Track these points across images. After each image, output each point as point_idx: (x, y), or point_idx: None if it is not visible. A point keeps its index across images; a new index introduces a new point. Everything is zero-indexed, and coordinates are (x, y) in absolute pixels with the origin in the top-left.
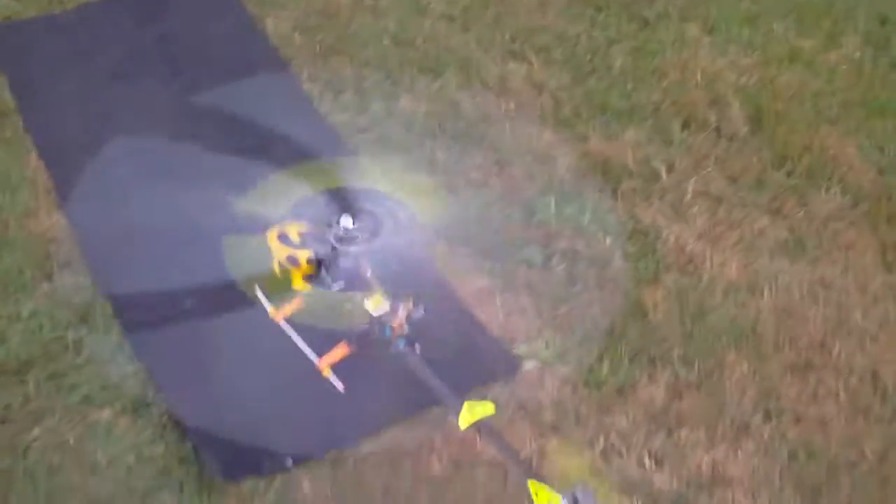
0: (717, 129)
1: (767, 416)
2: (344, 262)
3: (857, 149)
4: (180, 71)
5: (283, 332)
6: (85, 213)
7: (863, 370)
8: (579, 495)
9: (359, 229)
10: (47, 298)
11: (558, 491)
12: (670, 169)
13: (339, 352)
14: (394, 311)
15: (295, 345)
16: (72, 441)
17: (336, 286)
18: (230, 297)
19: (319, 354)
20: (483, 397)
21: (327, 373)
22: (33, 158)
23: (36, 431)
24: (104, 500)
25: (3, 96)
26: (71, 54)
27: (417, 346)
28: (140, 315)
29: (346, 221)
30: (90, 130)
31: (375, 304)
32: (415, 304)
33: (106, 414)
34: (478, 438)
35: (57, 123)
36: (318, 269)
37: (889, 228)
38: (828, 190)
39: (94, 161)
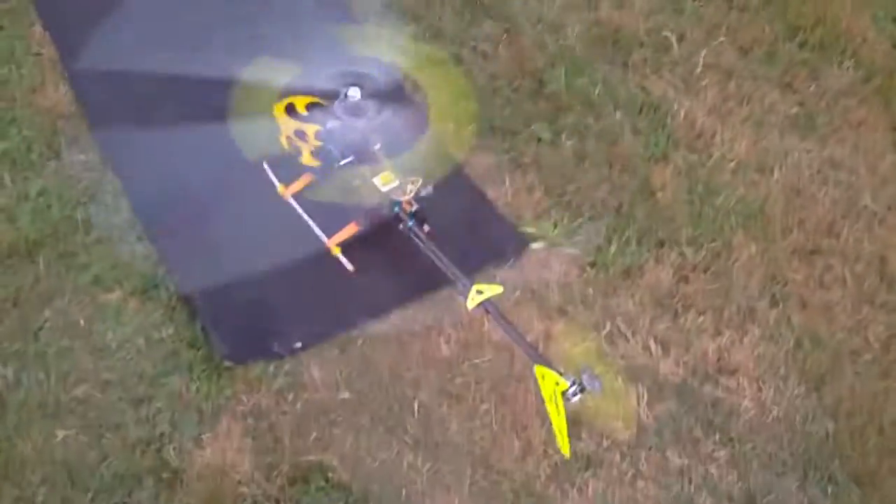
0: None
1: (774, 302)
2: (352, 136)
3: (871, 20)
4: None
5: (291, 210)
6: (92, 86)
7: (870, 256)
8: (585, 381)
9: (367, 101)
10: (56, 176)
11: (564, 375)
12: (681, 39)
13: (349, 231)
14: (403, 187)
15: (304, 223)
16: (82, 323)
17: (344, 161)
18: (238, 173)
19: (328, 232)
20: (491, 278)
21: (336, 252)
22: (38, 31)
23: (47, 313)
24: (114, 385)
25: None
26: None
27: (426, 226)
28: (149, 193)
29: (355, 93)
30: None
31: (384, 180)
32: (423, 181)
33: (115, 295)
34: (485, 321)
35: None
36: (326, 143)
37: None
38: (840, 64)
39: (99, 32)
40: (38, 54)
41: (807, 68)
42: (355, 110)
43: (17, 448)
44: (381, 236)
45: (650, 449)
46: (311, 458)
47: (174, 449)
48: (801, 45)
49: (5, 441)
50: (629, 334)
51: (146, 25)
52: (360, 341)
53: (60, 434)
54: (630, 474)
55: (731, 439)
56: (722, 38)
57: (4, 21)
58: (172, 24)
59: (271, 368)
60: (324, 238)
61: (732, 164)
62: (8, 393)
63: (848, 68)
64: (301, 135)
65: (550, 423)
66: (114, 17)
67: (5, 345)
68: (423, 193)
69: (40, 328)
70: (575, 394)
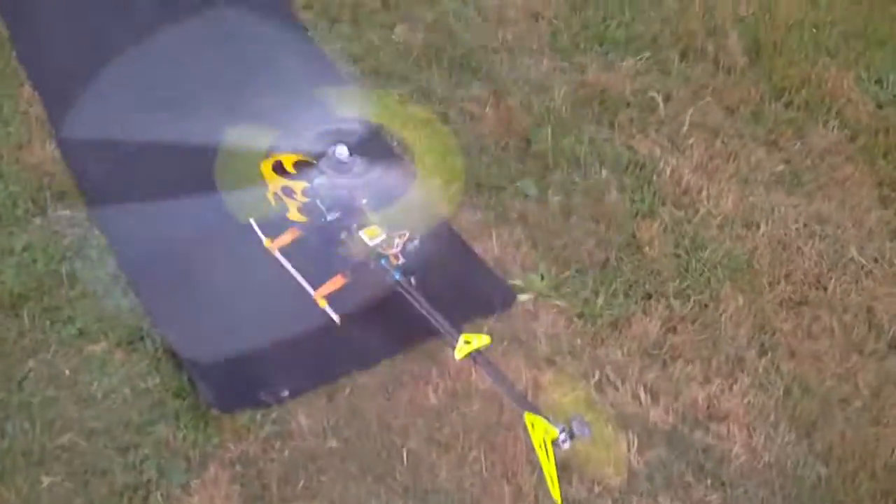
0: (716, 60)
1: (762, 351)
2: (339, 192)
3: (855, 81)
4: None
5: (278, 264)
6: (79, 144)
7: (857, 306)
8: (575, 428)
9: (354, 158)
10: (41, 232)
11: (554, 422)
12: (668, 99)
13: (335, 283)
14: (389, 241)
15: (290, 276)
16: (67, 373)
17: (331, 216)
18: (225, 228)
19: (315, 285)
20: (479, 329)
21: (323, 304)
22: (27, 90)
23: (31, 364)
24: (100, 433)
25: None
26: None
27: (413, 279)
28: (135, 247)
29: (342, 151)
30: (84, 59)
31: (371, 235)
32: (410, 236)
33: (101, 346)
34: (473, 370)
35: (50, 53)
36: (313, 199)
37: (886, 163)
38: (825, 123)
39: (88, 91)
40: (26, 113)
41: (792, 127)
42: (342, 167)
43: (1, 496)
44: (368, 289)
45: (641, 495)
46: None
47: (161, 496)
48: (787, 105)
49: None
50: (618, 383)
51: (134, 87)
52: (347, 390)
53: (46, 481)
54: None
55: (722, 484)
56: (708, 98)
57: None
58: (162, 86)
59: (258, 417)
60: (310, 290)
61: (719, 220)
62: None
63: (833, 127)
64: (288, 192)
65: (541, 471)
66: (102, 79)
67: None
68: (410, 247)
69: (24, 378)
70: (565, 440)
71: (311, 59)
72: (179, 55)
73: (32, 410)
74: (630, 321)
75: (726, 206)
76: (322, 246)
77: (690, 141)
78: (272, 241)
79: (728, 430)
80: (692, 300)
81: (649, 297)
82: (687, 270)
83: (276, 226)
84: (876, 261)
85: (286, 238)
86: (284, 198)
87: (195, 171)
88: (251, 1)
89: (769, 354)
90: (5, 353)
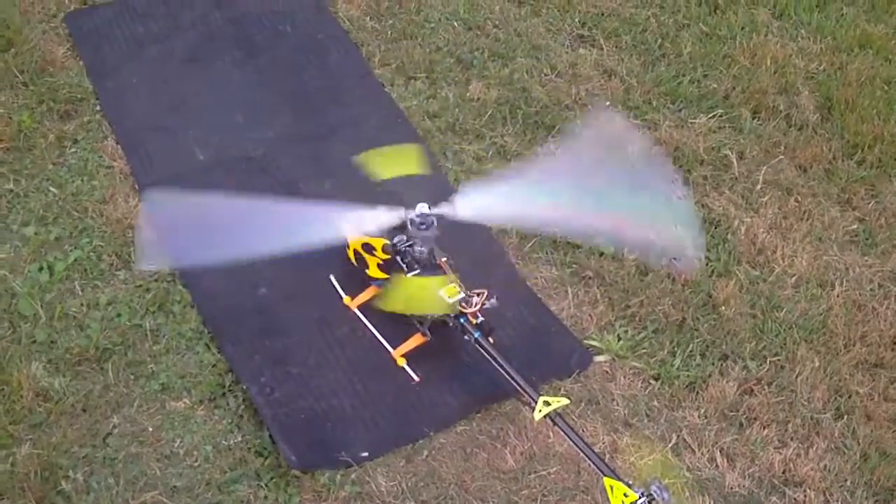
0: (788, 117)
1: (838, 414)
2: (419, 250)
3: None
4: (254, 54)
5: (357, 321)
6: (162, 199)
7: None
8: (655, 493)
9: (434, 216)
10: (125, 286)
11: (633, 487)
12: (741, 157)
13: (414, 341)
14: (468, 299)
15: (370, 334)
16: (150, 429)
17: (411, 274)
18: (305, 285)
19: (394, 343)
20: (555, 390)
21: (402, 363)
22: (110, 144)
23: (115, 420)
24: (182, 491)
25: (82, 82)
26: (147, 39)
27: (491, 338)
28: (217, 303)
29: (422, 208)
30: (167, 115)
31: (450, 293)
32: (488, 294)
33: (183, 402)
34: (550, 432)
35: (134, 108)
36: (394, 256)
37: None
38: None
39: (171, 147)
40: (110, 167)
41: (865, 185)
42: (423, 225)
43: None
44: (447, 348)
45: None
46: None
47: None
48: (860, 163)
49: None
50: (695, 446)
51: (218, 143)
52: (425, 452)
53: None
54: None
55: None
56: (781, 156)
57: (80, 135)
58: (243, 143)
59: (338, 477)
60: (389, 349)
61: (794, 279)
62: (77, 497)
63: None
64: (369, 248)
65: None
66: (186, 133)
67: (75, 449)
68: (488, 305)
69: (109, 434)
70: None
71: (388, 115)
72: (260, 112)
73: (116, 467)
74: (707, 383)
75: (801, 266)
76: (401, 304)
77: (764, 199)
78: (352, 298)
79: (805, 496)
80: (768, 361)
81: (726, 358)
82: (762, 331)
83: (355, 283)
84: None
85: (366, 295)
86: (365, 255)
87: (277, 227)
88: (329, 59)
89: (845, 418)
90: (91, 407)
